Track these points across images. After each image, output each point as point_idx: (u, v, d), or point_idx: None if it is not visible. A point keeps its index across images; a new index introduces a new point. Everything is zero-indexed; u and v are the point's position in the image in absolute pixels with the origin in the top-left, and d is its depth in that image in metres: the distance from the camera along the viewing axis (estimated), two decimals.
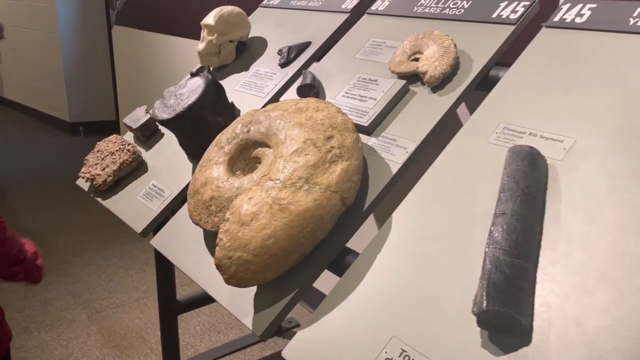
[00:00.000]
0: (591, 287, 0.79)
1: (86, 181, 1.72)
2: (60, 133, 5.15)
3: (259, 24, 1.96)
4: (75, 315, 2.48)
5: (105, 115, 5.02)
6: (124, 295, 2.65)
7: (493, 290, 0.79)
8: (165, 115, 1.46)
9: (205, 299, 2.02)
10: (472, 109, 1.30)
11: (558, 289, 0.81)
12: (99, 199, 1.70)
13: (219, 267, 1.09)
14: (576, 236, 0.86)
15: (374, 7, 1.67)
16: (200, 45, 1.82)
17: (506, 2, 1.36)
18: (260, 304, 1.12)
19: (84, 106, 5.08)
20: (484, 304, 0.78)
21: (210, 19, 1.78)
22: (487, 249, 0.84)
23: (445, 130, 1.24)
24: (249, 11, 2.05)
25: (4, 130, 5.37)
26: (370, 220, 2.08)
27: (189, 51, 3.26)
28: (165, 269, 1.87)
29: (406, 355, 0.86)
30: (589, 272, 0.81)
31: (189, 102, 1.45)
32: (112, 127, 4.72)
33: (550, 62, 1.16)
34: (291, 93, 1.58)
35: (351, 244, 1.14)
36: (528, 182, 0.92)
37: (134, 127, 1.74)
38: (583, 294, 0.79)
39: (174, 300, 1.95)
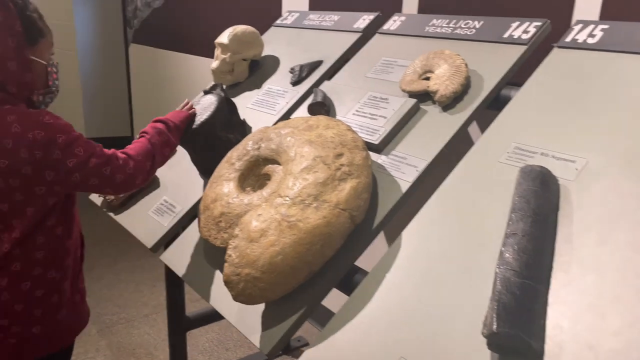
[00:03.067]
0: (604, 310, 0.78)
1: (99, 196, 1.73)
2: None
3: (272, 43, 1.98)
4: (86, 330, 2.48)
5: (120, 131, 5.09)
6: (134, 311, 2.65)
7: (503, 312, 0.78)
8: None
9: (214, 316, 2.01)
10: (483, 128, 1.30)
11: (570, 312, 0.80)
12: (112, 214, 1.71)
13: (227, 283, 1.09)
14: (588, 258, 0.85)
15: (385, 27, 1.68)
16: (214, 64, 1.84)
17: (518, 23, 1.36)
18: (268, 322, 1.11)
19: (100, 122, 5.15)
20: (494, 326, 0.76)
21: (224, 37, 1.81)
22: (497, 270, 0.83)
23: (456, 149, 1.24)
24: (262, 30, 2.08)
25: None
26: (380, 238, 2.06)
27: (202, 69, 3.31)
28: (175, 285, 1.88)
29: None
30: (602, 295, 0.80)
31: (202, 119, 1.47)
32: (127, 142, 4.78)
33: (562, 82, 1.16)
34: (302, 111, 1.59)
35: (360, 262, 1.14)
36: (539, 203, 0.91)
37: None
38: (595, 316, 0.78)
39: (183, 317, 1.95)
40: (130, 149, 1.30)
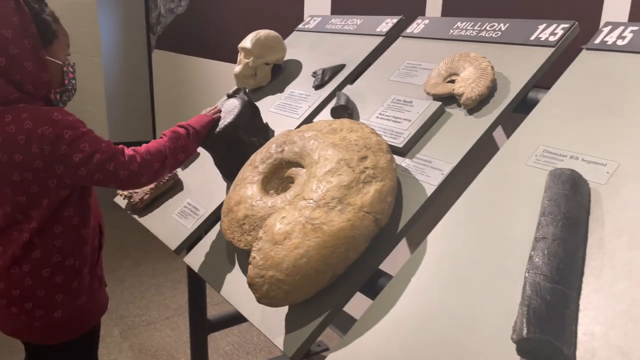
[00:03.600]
0: (637, 316, 0.76)
1: (124, 199, 1.75)
2: None
3: (295, 47, 1.99)
4: (108, 332, 2.51)
5: (143, 135, 5.16)
6: (156, 313, 2.67)
7: (534, 317, 0.76)
8: None
9: (235, 319, 2.02)
10: (509, 132, 1.28)
11: (602, 317, 0.78)
12: (136, 216, 1.73)
13: (251, 285, 1.09)
14: (620, 262, 0.83)
15: (409, 30, 1.68)
16: (237, 68, 1.86)
17: (545, 25, 1.34)
18: (291, 324, 1.11)
19: (123, 126, 5.23)
20: (524, 331, 0.75)
21: (247, 42, 1.82)
22: (527, 274, 0.82)
23: (481, 152, 1.22)
24: (285, 34, 2.09)
25: None
26: (404, 242, 2.05)
27: (225, 74, 3.34)
28: (197, 288, 1.89)
29: None
30: (635, 300, 0.78)
31: (225, 123, 1.48)
32: None
33: (591, 85, 1.14)
34: (325, 114, 1.59)
35: (384, 266, 1.13)
36: (570, 206, 0.89)
37: None
38: (628, 322, 0.76)
39: (204, 320, 1.95)
40: (143, 147, 1.34)
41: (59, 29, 1.29)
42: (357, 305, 1.21)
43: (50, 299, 1.30)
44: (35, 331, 1.32)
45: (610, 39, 1.20)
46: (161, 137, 1.39)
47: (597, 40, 1.22)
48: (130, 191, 1.72)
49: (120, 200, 1.81)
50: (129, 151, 1.29)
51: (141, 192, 1.70)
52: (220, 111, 1.52)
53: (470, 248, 0.99)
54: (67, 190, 1.26)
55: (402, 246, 2.06)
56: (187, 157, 1.41)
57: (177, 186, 1.72)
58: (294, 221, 1.09)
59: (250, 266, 1.10)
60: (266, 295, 1.07)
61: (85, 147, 1.22)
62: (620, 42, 1.18)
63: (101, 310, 1.44)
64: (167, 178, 1.70)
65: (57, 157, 1.20)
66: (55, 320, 1.32)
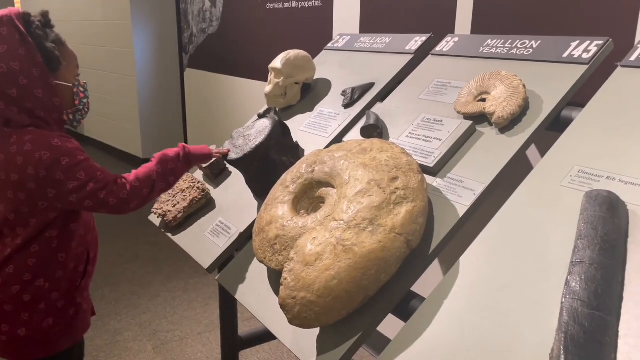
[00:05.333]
0: None
1: (158, 217, 1.79)
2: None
3: (324, 66, 2.01)
4: (142, 347, 2.55)
5: None
6: (188, 329, 2.70)
7: (571, 344, 0.74)
8: (234, 155, 1.52)
9: (266, 336, 2.02)
10: (543, 151, 1.26)
11: None
12: (169, 234, 1.76)
13: (283, 306, 1.10)
14: None
15: (438, 48, 1.68)
16: (267, 88, 1.89)
17: (578, 42, 1.32)
18: (323, 346, 1.11)
19: (156, 143, 5.36)
20: (562, 359, 0.73)
21: (277, 62, 1.85)
22: (564, 300, 0.80)
23: (514, 172, 1.21)
24: (314, 53, 2.12)
25: None
26: (436, 264, 2.03)
27: (255, 92, 3.39)
28: (228, 305, 1.90)
29: None
30: None
31: (257, 143, 1.50)
32: None
33: (627, 103, 1.12)
34: (355, 133, 1.60)
35: (416, 288, 1.12)
36: (607, 229, 0.87)
37: (204, 165, 1.82)
38: None
39: (235, 337, 1.97)
40: (133, 174, 1.40)
41: (65, 52, 1.35)
42: (390, 325, 1.20)
43: (16, 315, 1.33)
44: (0, 345, 1.36)
45: None
46: (151, 161, 1.44)
47: (633, 57, 1.19)
48: (164, 209, 1.76)
49: (155, 219, 1.85)
50: (120, 180, 1.35)
51: (174, 211, 1.73)
52: (228, 152, 1.55)
53: (503, 271, 0.97)
54: (55, 213, 1.31)
55: (435, 267, 2.04)
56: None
57: (209, 205, 1.75)
58: (325, 242, 1.09)
59: (282, 287, 1.11)
60: (298, 317, 1.07)
61: (81, 175, 1.28)
62: None
63: (73, 337, 1.42)
64: (200, 197, 1.73)
65: (51, 182, 1.26)
66: (19, 338, 1.34)
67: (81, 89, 1.40)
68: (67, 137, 1.31)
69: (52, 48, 1.31)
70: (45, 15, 1.35)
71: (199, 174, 1.91)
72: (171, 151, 1.46)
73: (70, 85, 1.36)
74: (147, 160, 1.39)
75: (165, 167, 1.43)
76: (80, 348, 1.49)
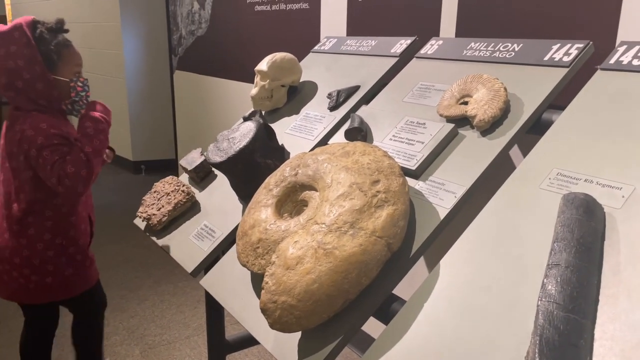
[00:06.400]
0: None
1: (142, 220, 1.78)
2: (124, 171, 5.42)
3: (310, 69, 2.01)
4: (129, 351, 2.53)
5: (165, 154, 5.26)
6: (176, 332, 2.69)
7: (546, 348, 0.75)
8: (217, 158, 1.51)
9: (253, 340, 2.02)
10: (525, 154, 1.27)
11: (618, 348, 0.76)
12: (154, 238, 1.76)
13: (264, 311, 1.09)
14: (637, 290, 0.81)
15: (422, 51, 1.68)
16: (253, 90, 1.88)
17: (559, 45, 1.33)
18: (304, 350, 1.11)
19: (146, 146, 5.34)
20: None
21: (263, 65, 1.85)
22: (539, 303, 0.80)
23: (496, 174, 1.21)
24: (301, 56, 2.12)
25: None
26: (417, 266, 2.03)
27: (243, 93, 3.39)
28: (215, 309, 1.89)
29: None
30: None
31: (241, 146, 1.50)
32: (172, 165, 4.93)
33: (606, 106, 1.12)
34: (340, 136, 1.60)
35: (397, 290, 1.12)
36: (583, 232, 0.88)
37: (189, 168, 1.81)
38: None
39: (222, 340, 1.96)
40: (69, 162, 1.62)
41: (66, 52, 1.67)
42: (375, 324, 1.20)
43: (43, 268, 1.70)
44: (30, 293, 1.72)
45: (625, 59, 1.19)
46: (78, 143, 1.68)
47: (612, 60, 1.20)
48: (149, 213, 1.75)
49: (139, 222, 1.84)
50: (69, 168, 1.60)
51: (159, 214, 1.72)
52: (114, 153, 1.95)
53: (482, 274, 0.98)
54: (40, 179, 1.64)
55: (421, 269, 2.04)
56: (103, 133, 1.72)
57: (194, 208, 1.75)
58: (306, 246, 1.09)
59: (263, 291, 1.11)
60: (279, 321, 1.07)
61: (47, 154, 1.59)
62: (636, 62, 1.17)
63: (87, 282, 1.83)
64: (184, 200, 1.72)
65: (29, 155, 1.61)
66: (47, 285, 1.72)
67: (79, 84, 1.69)
68: (53, 123, 1.64)
69: (51, 50, 1.63)
70: (60, 22, 1.68)
71: (184, 177, 1.90)
72: (87, 125, 1.69)
73: (68, 80, 1.68)
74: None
75: (91, 142, 1.67)
76: (100, 287, 1.93)
